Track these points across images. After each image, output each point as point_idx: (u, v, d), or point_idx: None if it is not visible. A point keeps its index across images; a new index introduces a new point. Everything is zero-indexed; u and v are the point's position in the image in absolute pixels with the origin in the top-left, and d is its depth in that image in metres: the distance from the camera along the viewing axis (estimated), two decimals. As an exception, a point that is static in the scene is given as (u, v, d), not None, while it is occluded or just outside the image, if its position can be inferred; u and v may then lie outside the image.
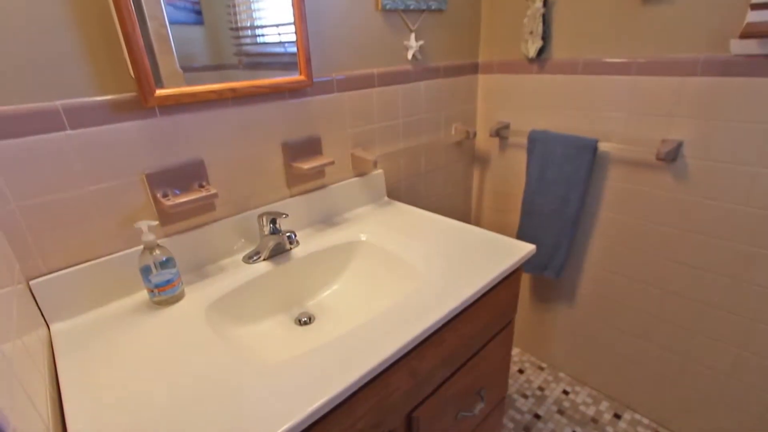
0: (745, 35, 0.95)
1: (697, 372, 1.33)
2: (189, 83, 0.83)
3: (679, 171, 1.19)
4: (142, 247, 0.86)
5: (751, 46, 0.97)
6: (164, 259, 0.81)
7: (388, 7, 1.16)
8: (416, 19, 1.26)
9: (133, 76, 0.76)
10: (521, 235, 1.54)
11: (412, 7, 1.22)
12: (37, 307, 0.76)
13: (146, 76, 0.76)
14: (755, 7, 0.93)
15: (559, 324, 1.67)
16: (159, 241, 0.87)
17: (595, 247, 1.45)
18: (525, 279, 1.72)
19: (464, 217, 1.78)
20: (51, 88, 0.71)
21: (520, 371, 1.77)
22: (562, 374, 1.74)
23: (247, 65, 0.91)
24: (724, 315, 1.22)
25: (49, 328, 0.78)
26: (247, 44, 0.90)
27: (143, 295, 0.87)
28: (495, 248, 0.98)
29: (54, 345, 0.73)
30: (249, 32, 0.90)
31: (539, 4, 1.28)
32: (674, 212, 1.23)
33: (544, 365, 1.79)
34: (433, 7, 1.28)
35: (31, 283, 0.75)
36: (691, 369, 1.34)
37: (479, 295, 0.85)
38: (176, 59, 0.80)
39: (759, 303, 1.15)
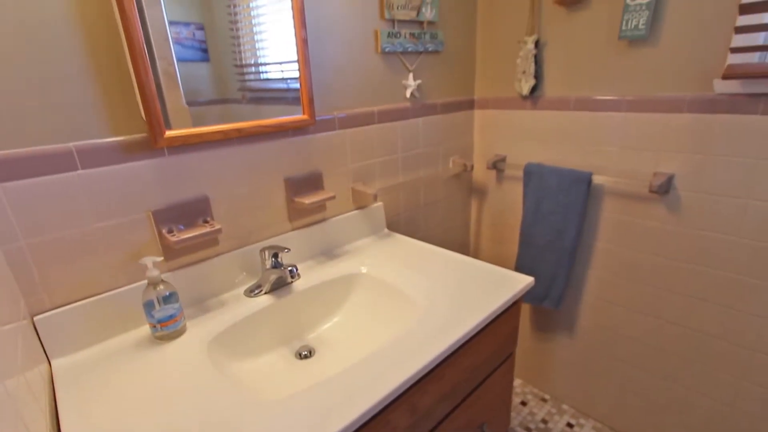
0: (727, 76, 1.00)
1: (699, 403, 1.32)
2: (195, 119, 0.86)
3: (672, 203, 1.21)
4: (145, 282, 0.87)
5: (734, 86, 1.02)
6: (167, 294, 0.82)
7: (387, 50, 1.22)
8: (414, 60, 1.32)
9: (144, 118, 0.80)
10: (519, 266, 1.55)
11: (410, 50, 1.28)
12: (39, 343, 0.77)
13: (157, 119, 0.80)
14: (735, 50, 0.98)
15: (560, 355, 1.66)
16: (162, 276, 0.89)
17: (593, 278, 1.46)
18: (525, 310, 1.72)
19: (463, 248, 1.79)
20: (66, 131, 0.74)
21: (523, 403, 1.74)
22: (565, 406, 1.71)
23: (251, 100, 0.95)
24: (723, 345, 1.22)
25: (50, 364, 0.78)
26: (251, 80, 0.94)
27: (145, 330, 0.87)
28: (494, 280, 1.00)
29: (55, 381, 0.74)
30: (253, 69, 0.94)
31: (531, 45, 1.35)
32: (669, 243, 1.25)
33: (547, 397, 1.76)
34: (430, 49, 1.34)
35: (35, 318, 0.76)
36: (694, 399, 1.33)
37: (479, 328, 0.86)
38: (182, 95, 0.84)
39: (757, 333, 1.15)
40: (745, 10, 0.94)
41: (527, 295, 1.55)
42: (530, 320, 1.71)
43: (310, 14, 1.03)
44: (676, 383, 1.35)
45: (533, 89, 1.41)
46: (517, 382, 1.86)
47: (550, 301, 1.50)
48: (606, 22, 1.20)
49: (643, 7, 1.10)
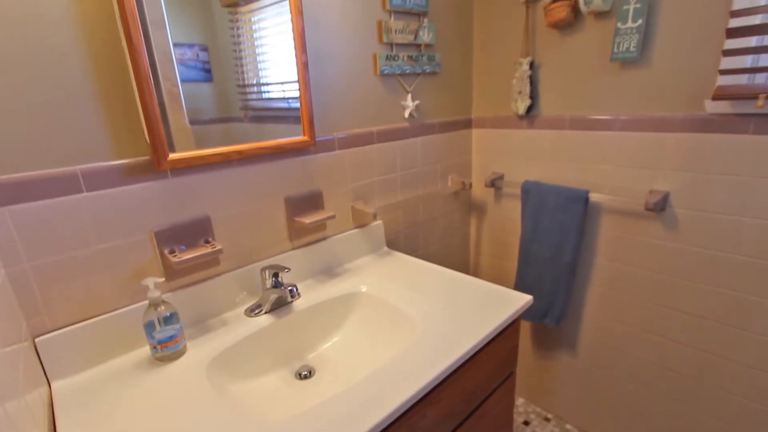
0: (717, 97, 1.02)
1: (704, 422, 1.30)
2: (197, 138, 0.88)
3: (668, 220, 1.22)
4: (146, 302, 0.88)
5: (724, 107, 1.05)
6: (168, 314, 0.83)
7: (385, 72, 1.25)
8: (412, 81, 1.35)
9: (148, 142, 0.82)
10: (519, 283, 1.55)
11: (408, 72, 1.31)
12: (40, 365, 0.77)
13: (160, 143, 0.82)
14: (723, 72, 1.01)
15: (562, 373, 1.64)
16: (163, 296, 0.89)
17: (593, 295, 1.46)
18: (527, 328, 1.71)
19: (463, 264, 1.80)
20: (72, 155, 0.76)
21: (526, 423, 1.72)
22: (569, 426, 1.69)
23: (253, 118, 0.97)
24: (726, 363, 1.21)
25: (50, 386, 0.78)
26: (253, 99, 0.97)
27: (145, 351, 0.88)
28: (492, 299, 1.00)
29: (54, 404, 0.74)
30: (255, 88, 0.97)
31: (526, 67, 1.38)
32: (668, 260, 1.25)
33: (550, 416, 1.74)
34: (427, 71, 1.38)
35: (36, 340, 0.77)
36: (699, 419, 1.31)
37: (477, 348, 0.86)
38: (185, 115, 0.86)
39: (760, 352, 1.15)
40: (731, 34, 0.97)
41: (528, 313, 1.54)
42: (532, 338, 1.71)
43: (311, 38, 1.06)
44: (682, 404, 1.34)
45: (529, 109, 1.44)
46: (519, 401, 1.84)
47: (551, 318, 1.50)
48: (598, 44, 1.24)
49: (634, 31, 1.13)
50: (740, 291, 1.14)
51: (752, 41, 0.98)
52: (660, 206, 1.19)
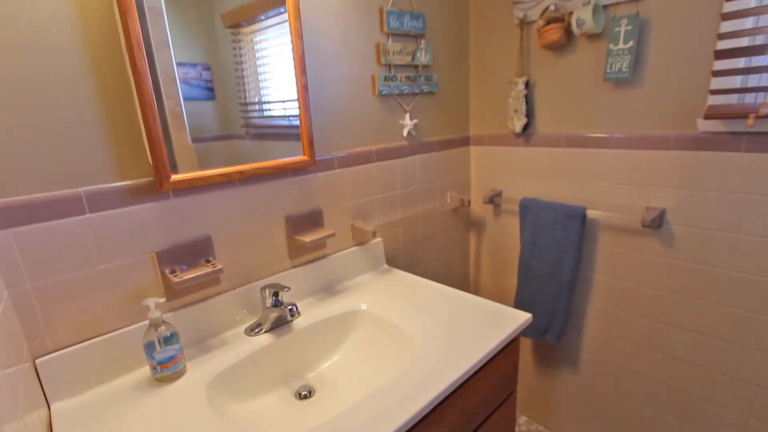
0: (708, 116, 1.05)
1: (710, 443, 1.29)
2: (199, 156, 0.89)
3: (665, 236, 1.23)
4: (147, 322, 0.88)
5: (716, 125, 1.07)
6: (168, 334, 0.83)
7: (384, 92, 1.27)
8: (410, 101, 1.38)
9: (151, 163, 0.84)
10: (519, 299, 1.55)
11: (406, 92, 1.34)
12: (40, 386, 0.77)
13: (163, 164, 0.83)
14: (714, 92, 1.03)
15: (565, 390, 1.63)
16: (164, 316, 0.90)
17: (593, 311, 1.46)
18: (528, 345, 1.71)
19: (463, 280, 1.80)
20: (76, 177, 0.77)
21: (528, 443, 1.69)
22: (572, 446, 1.66)
23: (254, 136, 0.99)
24: (728, 380, 1.21)
25: (49, 408, 0.78)
26: (254, 117, 0.99)
27: (145, 371, 0.87)
28: (492, 317, 1.00)
29: (54, 426, 0.73)
30: (256, 107, 0.99)
31: (521, 86, 1.41)
32: (667, 276, 1.26)
33: (552, 436, 1.72)
34: (425, 90, 1.41)
35: (37, 361, 0.77)
36: (704, 440, 1.30)
37: (478, 367, 0.86)
38: (188, 133, 0.88)
39: (761, 368, 1.14)
40: (719, 55, 1.00)
41: (528, 330, 1.54)
42: (533, 355, 1.70)
43: (311, 61, 1.09)
44: (684, 420, 1.33)
45: (525, 127, 1.46)
46: (522, 419, 1.81)
47: (552, 335, 1.49)
48: (592, 64, 1.27)
49: (625, 52, 1.16)
50: (739, 307, 1.14)
51: (740, 62, 1.01)
52: (656, 223, 1.20)
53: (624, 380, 1.44)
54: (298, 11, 0.99)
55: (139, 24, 0.76)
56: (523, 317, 0.99)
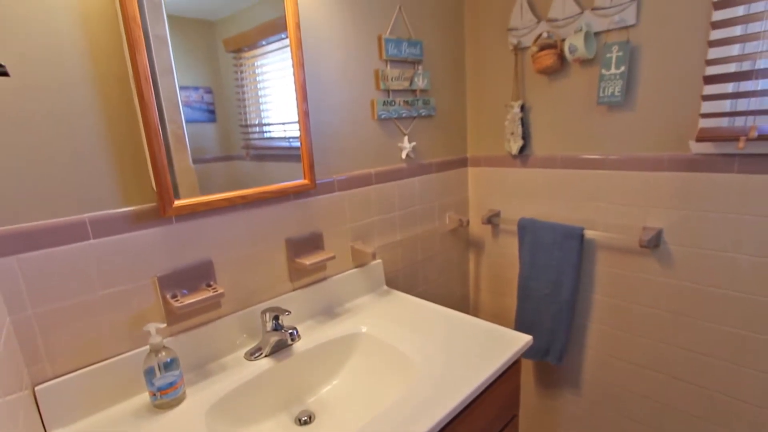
0: (700, 139, 1.07)
1: (716, 467, 1.27)
2: (200, 177, 0.90)
3: (663, 257, 1.24)
4: (146, 347, 0.88)
5: (708, 147, 1.09)
6: (168, 360, 0.83)
7: (383, 116, 1.30)
8: (409, 124, 1.41)
9: (155, 189, 0.85)
10: (519, 320, 1.55)
11: (404, 115, 1.37)
12: (38, 414, 0.77)
13: (167, 191, 0.85)
14: (704, 116, 1.06)
15: (567, 412, 1.61)
16: (164, 341, 0.90)
17: (594, 332, 1.46)
18: (529, 366, 1.69)
19: (463, 301, 1.80)
20: (81, 203, 0.79)
21: (532, 468, 1.66)
22: (576, 470, 1.63)
23: (254, 157, 1.01)
24: (728, 401, 1.20)
25: (47, 437, 0.77)
26: (255, 138, 1.01)
27: (144, 397, 0.87)
28: (492, 340, 1.00)
29: (51, 456, 0.73)
30: (257, 128, 1.01)
31: (517, 109, 1.45)
32: (666, 296, 1.26)
33: (556, 460, 1.69)
34: (423, 114, 1.44)
35: (36, 388, 0.76)
36: (710, 463, 1.28)
37: (479, 391, 0.85)
38: (189, 155, 0.89)
39: (762, 389, 1.13)
40: (708, 81, 1.03)
41: (529, 351, 1.53)
42: (534, 376, 1.68)
43: (312, 88, 1.12)
44: (688, 442, 1.31)
45: (522, 148, 1.49)
46: (524, 442, 1.78)
47: (553, 356, 1.48)
48: (585, 88, 1.30)
49: (617, 77, 1.20)
50: (739, 327, 1.14)
51: (729, 87, 1.04)
52: (654, 243, 1.21)
53: (629, 402, 1.43)
54: (300, 41, 1.03)
55: (146, 57, 0.78)
56: (524, 339, 0.99)
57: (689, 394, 1.27)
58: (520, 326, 1.55)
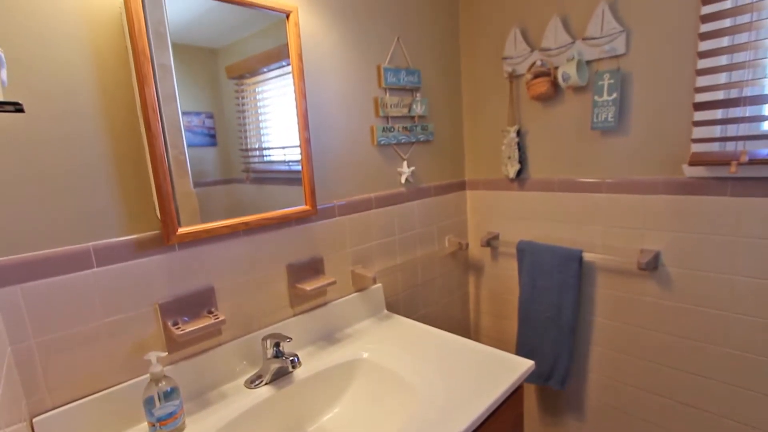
0: (692, 163, 1.09)
1: (726, 494, 1.24)
2: (200, 201, 0.91)
3: (662, 279, 1.25)
4: (146, 376, 0.87)
5: (701, 171, 1.11)
6: (169, 389, 0.82)
7: (382, 142, 1.33)
8: (407, 149, 1.43)
9: (159, 217, 0.86)
10: (520, 343, 1.54)
11: (403, 141, 1.40)
12: (35, 447, 0.76)
13: (171, 219, 0.86)
14: (695, 141, 1.09)
15: (572, 439, 1.58)
16: (164, 369, 0.89)
17: (596, 355, 1.45)
18: (532, 391, 1.67)
19: (463, 324, 1.79)
20: (86, 232, 0.80)
21: (538, 497, 1.62)
22: (583, 500, 1.59)
23: (254, 180, 1.02)
24: (732, 425, 1.18)
25: (43, 471, 0.76)
26: (255, 162, 1.02)
27: (143, 428, 0.86)
28: (494, 365, 1.00)
29: (47, 491, 0.71)
30: (257, 152, 1.02)
31: (513, 134, 1.48)
32: (666, 319, 1.26)
33: (562, 489, 1.64)
34: (421, 139, 1.47)
35: (34, 420, 0.76)
36: (719, 491, 1.25)
37: (481, 420, 0.84)
38: (190, 179, 0.90)
39: (763, 411, 1.12)
40: (698, 107, 1.06)
41: (532, 375, 1.51)
42: (537, 402, 1.66)
43: (313, 116, 1.15)
44: (696, 469, 1.28)
45: (519, 172, 1.52)
46: (529, 470, 1.74)
47: (555, 380, 1.47)
48: (579, 114, 1.34)
49: (610, 103, 1.23)
50: (741, 350, 1.14)
51: (718, 113, 1.07)
52: (652, 265, 1.22)
53: (634, 428, 1.40)
54: (302, 72, 1.06)
55: (154, 89, 0.81)
56: (526, 365, 0.99)
57: (690, 418, 1.26)
58: (521, 350, 1.54)
